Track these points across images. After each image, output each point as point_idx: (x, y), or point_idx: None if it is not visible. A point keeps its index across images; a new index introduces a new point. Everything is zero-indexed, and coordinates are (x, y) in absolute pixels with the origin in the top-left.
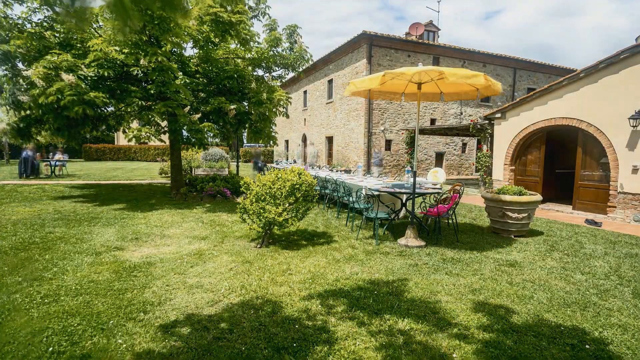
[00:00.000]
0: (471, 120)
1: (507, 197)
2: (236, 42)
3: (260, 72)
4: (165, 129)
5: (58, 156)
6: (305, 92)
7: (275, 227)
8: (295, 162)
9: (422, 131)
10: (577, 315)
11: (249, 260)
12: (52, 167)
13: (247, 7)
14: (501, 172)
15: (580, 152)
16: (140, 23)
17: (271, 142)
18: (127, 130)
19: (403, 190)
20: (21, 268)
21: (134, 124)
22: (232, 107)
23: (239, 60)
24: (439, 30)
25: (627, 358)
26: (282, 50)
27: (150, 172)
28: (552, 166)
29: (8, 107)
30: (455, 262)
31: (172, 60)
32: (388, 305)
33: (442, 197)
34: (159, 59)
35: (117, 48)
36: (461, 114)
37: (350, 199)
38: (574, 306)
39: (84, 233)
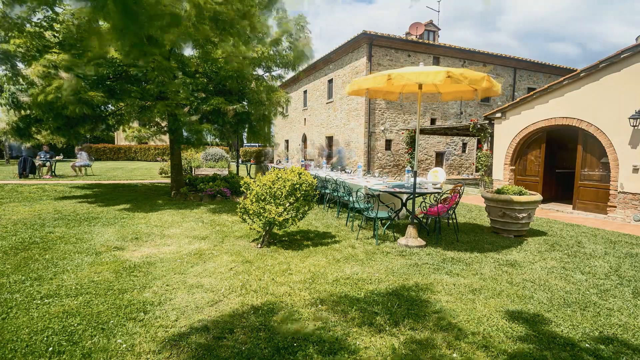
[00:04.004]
0: (471, 120)
1: (507, 197)
2: (237, 40)
3: (260, 72)
4: (165, 129)
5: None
6: (305, 91)
7: (276, 227)
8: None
9: (422, 131)
10: (577, 315)
11: (249, 260)
12: (53, 167)
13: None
14: (501, 172)
15: (580, 151)
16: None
17: (269, 142)
18: (127, 130)
19: (403, 190)
20: (22, 268)
21: (134, 124)
22: (232, 107)
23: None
24: (439, 30)
25: (627, 358)
26: (283, 50)
27: (150, 172)
28: (552, 166)
29: (8, 107)
30: (455, 261)
31: (171, 60)
32: (388, 305)
33: (442, 198)
34: (158, 58)
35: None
36: (461, 113)
37: (351, 199)
38: (574, 306)
39: (84, 233)
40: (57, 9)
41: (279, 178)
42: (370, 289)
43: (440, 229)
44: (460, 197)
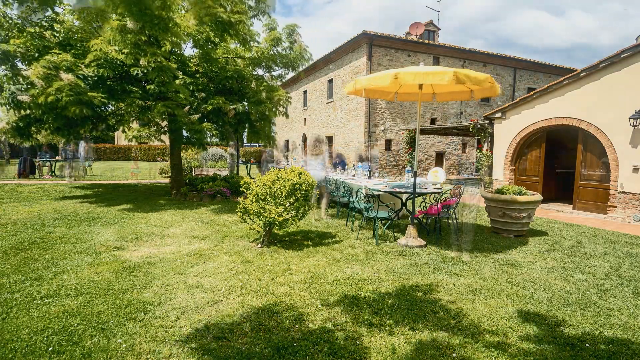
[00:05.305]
0: (471, 120)
1: (507, 197)
2: (236, 41)
3: (260, 72)
4: (166, 129)
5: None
6: (305, 91)
7: (276, 227)
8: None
9: (422, 131)
10: (577, 315)
11: (249, 260)
12: (52, 167)
13: (246, 6)
14: (501, 172)
15: (580, 151)
16: (139, 24)
17: (270, 142)
18: (127, 130)
19: (403, 190)
20: (22, 268)
21: (134, 124)
22: (232, 107)
23: (239, 60)
24: (439, 29)
25: (627, 358)
26: (282, 50)
27: (150, 172)
28: (552, 166)
29: (8, 107)
30: (455, 261)
31: (171, 60)
32: (388, 305)
33: (442, 198)
34: (159, 59)
35: (116, 48)
36: (461, 113)
37: (351, 199)
38: (574, 306)
39: (84, 233)
40: (57, 9)
41: (279, 178)
42: (370, 289)
43: (440, 229)
44: (460, 197)
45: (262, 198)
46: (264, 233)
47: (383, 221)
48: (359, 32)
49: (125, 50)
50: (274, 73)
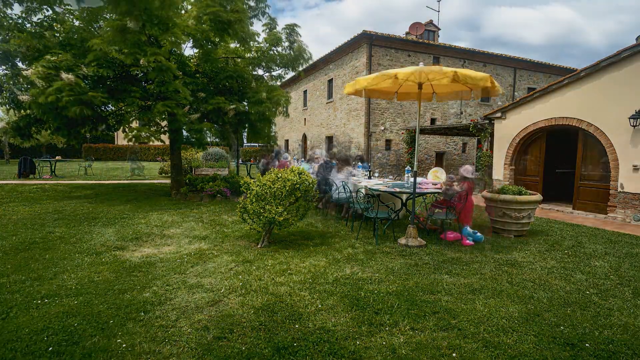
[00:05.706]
0: (471, 120)
1: (507, 197)
2: (235, 41)
3: (260, 72)
4: (165, 128)
5: None
6: (305, 91)
7: (276, 227)
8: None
9: (422, 131)
10: (577, 315)
11: (249, 260)
12: (52, 167)
13: (246, 6)
14: (501, 172)
15: (580, 151)
16: (139, 23)
17: (270, 142)
18: (127, 130)
19: (403, 190)
20: (22, 268)
21: (134, 124)
22: (232, 107)
23: (239, 60)
24: (439, 29)
25: (627, 358)
26: (282, 50)
27: (150, 172)
28: (552, 166)
29: (8, 107)
30: (455, 261)
31: (171, 60)
32: (388, 305)
33: (442, 198)
34: (159, 59)
35: (116, 48)
36: (461, 113)
37: (351, 199)
38: (574, 306)
39: (84, 233)
40: (57, 9)
41: (279, 178)
42: (370, 289)
43: (442, 226)
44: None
45: (262, 198)
46: (264, 233)
47: (383, 221)
48: (359, 32)
49: (125, 50)
50: (273, 73)
